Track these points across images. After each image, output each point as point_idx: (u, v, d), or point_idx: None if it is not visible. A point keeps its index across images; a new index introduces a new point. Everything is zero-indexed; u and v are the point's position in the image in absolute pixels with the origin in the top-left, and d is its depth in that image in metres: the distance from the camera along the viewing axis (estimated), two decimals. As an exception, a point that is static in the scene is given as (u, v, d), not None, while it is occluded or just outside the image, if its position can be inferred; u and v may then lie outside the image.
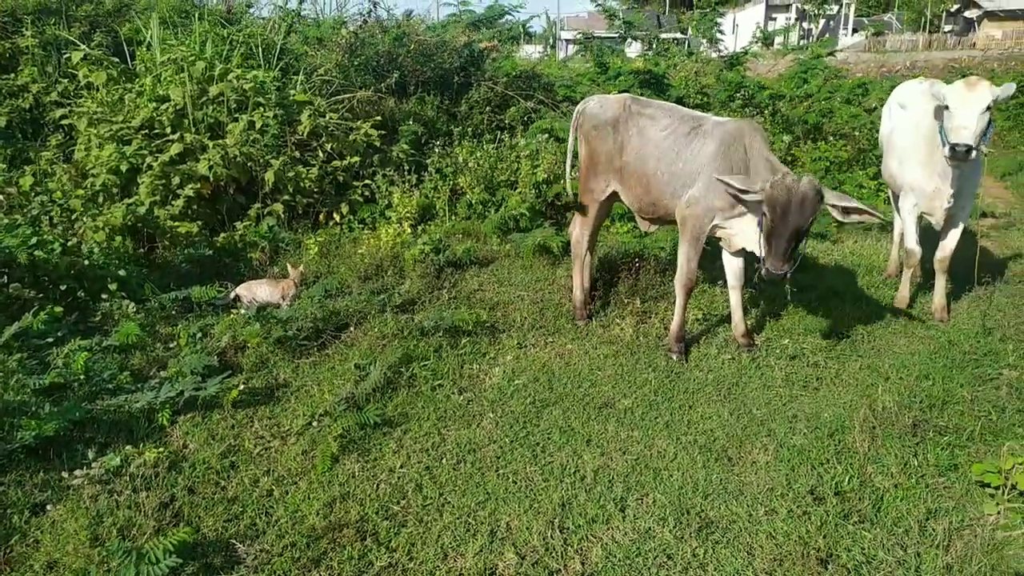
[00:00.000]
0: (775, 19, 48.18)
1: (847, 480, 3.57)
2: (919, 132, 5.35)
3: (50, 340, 4.57)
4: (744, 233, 4.64)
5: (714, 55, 12.87)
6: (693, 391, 4.45)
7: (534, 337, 5.20)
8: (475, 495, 3.50)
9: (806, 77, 11.54)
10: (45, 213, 5.76)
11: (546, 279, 6.22)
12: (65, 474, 3.44)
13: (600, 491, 3.52)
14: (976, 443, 3.88)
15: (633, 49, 18.38)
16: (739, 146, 4.57)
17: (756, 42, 13.90)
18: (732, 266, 4.99)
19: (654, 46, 15.42)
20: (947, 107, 4.74)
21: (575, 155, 5.48)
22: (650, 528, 3.27)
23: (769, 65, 23.09)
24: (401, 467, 3.73)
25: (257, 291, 5.53)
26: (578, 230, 5.51)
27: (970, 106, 4.64)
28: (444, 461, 3.78)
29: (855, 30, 49.12)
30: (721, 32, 12.80)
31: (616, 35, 13.86)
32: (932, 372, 4.66)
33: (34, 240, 5.09)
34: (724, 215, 4.67)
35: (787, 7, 49.87)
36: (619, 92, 10.50)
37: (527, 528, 3.27)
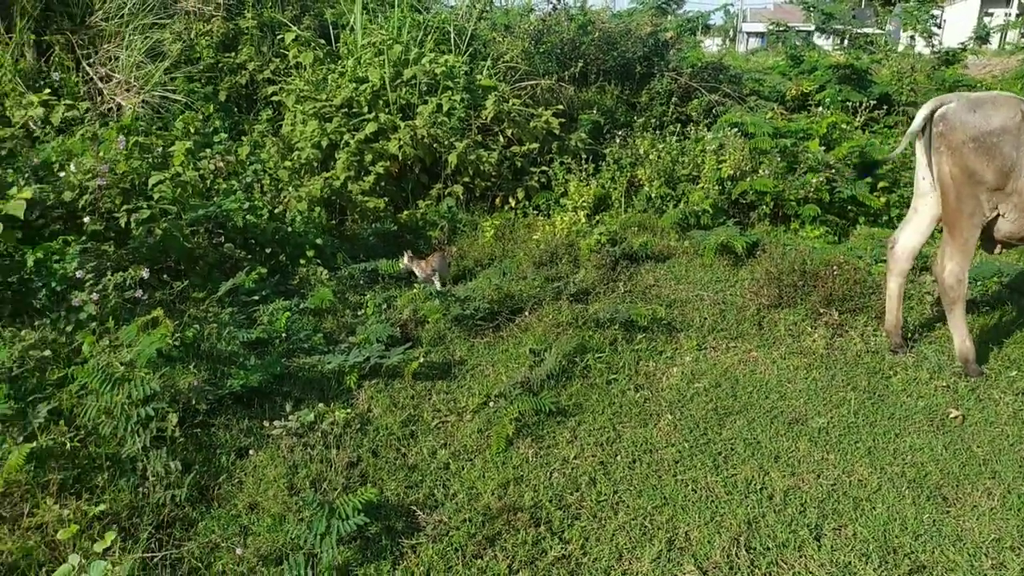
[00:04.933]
0: (991, 14, 43.15)
1: (1097, 543, 3.04)
2: None
3: (255, 298, 4.93)
4: None
5: (926, 51, 11.67)
6: (900, 418, 4.00)
7: (715, 340, 4.93)
8: (651, 498, 3.35)
9: (1039, 77, 10.17)
10: (257, 181, 6.23)
11: (727, 280, 5.89)
12: (266, 423, 3.67)
13: (791, 514, 3.24)
14: None
15: (822, 43, 17.13)
16: None
17: (974, 38, 12.43)
18: None
19: (846, 40, 14.27)
20: None
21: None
22: (850, 563, 2.96)
23: (982, 64, 20.67)
24: (575, 458, 3.64)
25: (413, 264, 5.68)
26: (956, 265, 4.35)
27: None
28: (619, 458, 3.65)
29: (1090, 28, 42.86)
30: (937, 26, 11.55)
31: (813, 27, 12.95)
32: None
33: (247, 205, 5.52)
34: None
35: (1007, 1, 44.45)
36: (816, 88, 9.83)
37: (708, 542, 3.07)
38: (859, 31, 13.77)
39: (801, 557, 3.00)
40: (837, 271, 5.31)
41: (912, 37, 15.58)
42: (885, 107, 9.74)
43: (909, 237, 4.69)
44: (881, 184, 7.21)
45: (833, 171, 7.07)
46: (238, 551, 2.86)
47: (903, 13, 11.99)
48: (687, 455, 3.67)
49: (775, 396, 4.22)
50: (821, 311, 5.10)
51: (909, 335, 4.95)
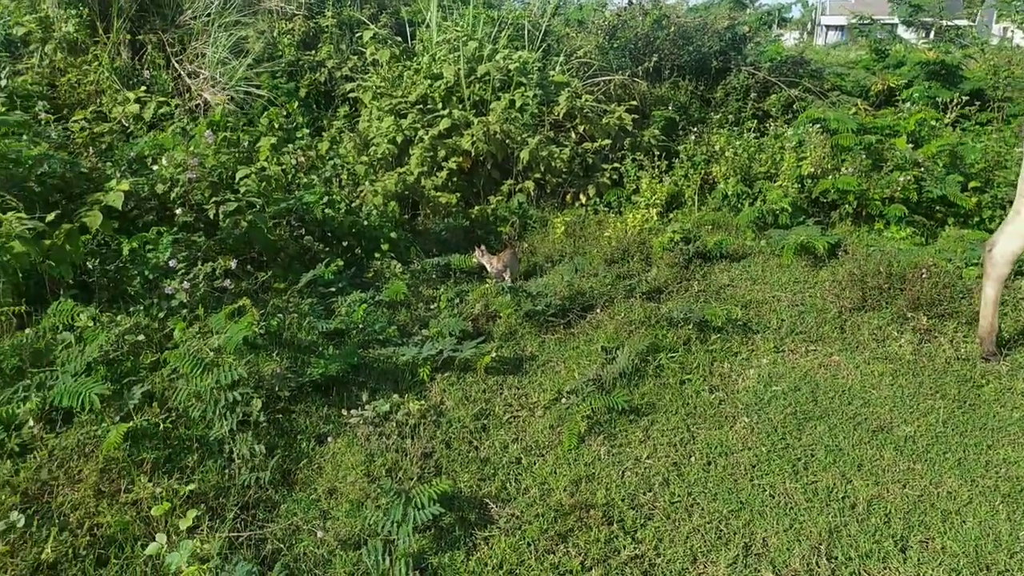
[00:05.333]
0: (1095, 3, 40.38)
1: None
2: None
3: (333, 290, 5.06)
4: None
5: (1023, 43, 11.02)
6: (993, 429, 3.81)
7: (793, 342, 4.79)
8: (727, 502, 3.28)
9: None
10: (335, 176, 6.39)
11: (806, 281, 5.71)
12: (344, 412, 3.77)
13: (874, 524, 3.13)
14: None
15: (907, 36, 16.39)
16: None
17: (1077, 29, 11.68)
18: None
19: (932, 33, 13.61)
20: None
21: None
22: (939, 578, 2.84)
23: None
24: (647, 458, 3.60)
25: (484, 259, 5.73)
26: None
27: None
28: (693, 460, 3.59)
29: None
30: (1036, 15, 10.90)
31: (897, 20, 12.40)
32: None
33: (326, 199, 5.66)
34: None
35: (1113, -11, 41.50)
36: (903, 83, 9.42)
37: (787, 549, 3.00)
38: (948, 23, 13.12)
39: (885, 569, 2.89)
40: (925, 274, 5.08)
41: (1006, 29, 14.75)
42: (977, 103, 9.25)
43: (1009, 241, 4.44)
44: (972, 184, 6.86)
45: (921, 169, 6.76)
46: (319, 534, 2.95)
47: (998, 3, 11.34)
48: (764, 459, 3.58)
49: (858, 402, 4.07)
50: (908, 315, 4.89)
51: (1003, 342, 4.70)
